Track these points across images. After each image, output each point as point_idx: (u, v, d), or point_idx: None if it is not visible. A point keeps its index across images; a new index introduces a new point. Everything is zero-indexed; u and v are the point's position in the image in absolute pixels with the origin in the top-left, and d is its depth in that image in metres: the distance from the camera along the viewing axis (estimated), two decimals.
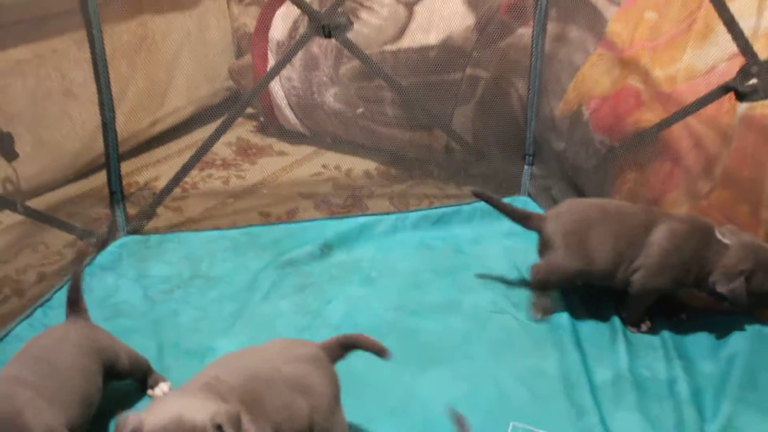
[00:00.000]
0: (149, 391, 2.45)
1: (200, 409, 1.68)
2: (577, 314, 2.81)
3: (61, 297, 2.90)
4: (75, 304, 2.39)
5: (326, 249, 3.18)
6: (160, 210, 3.42)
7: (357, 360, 2.57)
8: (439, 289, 2.95)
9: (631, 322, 2.74)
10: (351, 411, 2.37)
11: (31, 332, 2.75)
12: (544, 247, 2.80)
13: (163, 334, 2.73)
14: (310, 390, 2.02)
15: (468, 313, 2.82)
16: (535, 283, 2.83)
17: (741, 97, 2.77)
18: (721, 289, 2.57)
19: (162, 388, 2.45)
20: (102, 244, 3.20)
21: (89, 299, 2.88)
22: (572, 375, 2.51)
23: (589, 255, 2.69)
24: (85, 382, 2.14)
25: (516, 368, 2.56)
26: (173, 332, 2.74)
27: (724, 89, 2.80)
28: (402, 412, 2.38)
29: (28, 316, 2.82)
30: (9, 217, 3.34)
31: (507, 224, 3.32)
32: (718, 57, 2.94)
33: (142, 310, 2.86)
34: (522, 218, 2.86)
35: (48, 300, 2.90)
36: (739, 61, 2.75)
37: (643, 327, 2.73)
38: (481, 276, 3.04)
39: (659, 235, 2.66)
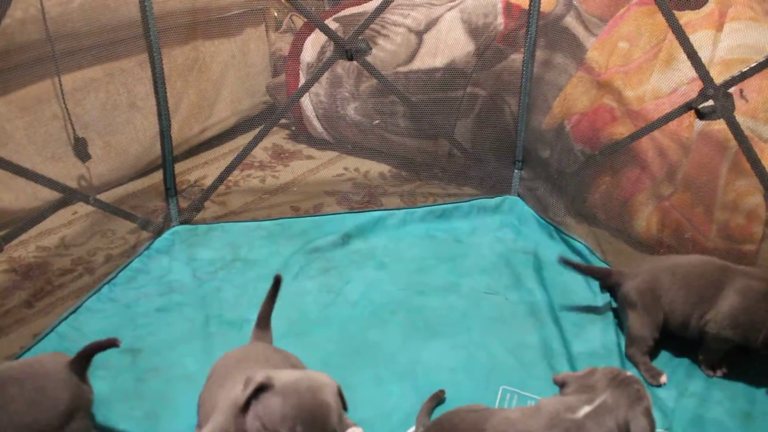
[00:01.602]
0: None
1: (318, 373, 1.61)
2: (557, 297, 2.80)
3: (125, 275, 2.94)
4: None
5: (346, 238, 3.18)
6: (207, 204, 3.43)
7: (371, 332, 2.59)
8: (441, 273, 2.95)
9: (707, 365, 2.40)
10: (365, 374, 2.39)
11: (99, 305, 2.78)
12: (623, 303, 2.51)
13: (209, 307, 2.74)
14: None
15: (465, 294, 2.81)
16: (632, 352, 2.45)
17: (700, 115, 2.76)
18: None
19: None
20: (158, 232, 3.21)
21: (147, 279, 2.93)
22: (553, 347, 2.51)
23: (664, 311, 2.41)
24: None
25: (505, 340, 2.55)
26: (217, 306, 2.75)
27: (685, 108, 2.79)
28: (409, 376, 2.38)
29: (96, 291, 2.84)
30: (83, 209, 3.37)
31: (499, 219, 3.36)
32: (679, 81, 2.94)
33: (191, 287, 2.87)
34: (602, 276, 2.61)
35: (113, 278, 2.91)
36: (698, 85, 2.74)
37: (718, 372, 2.39)
38: (477, 262, 3.04)
39: (731, 293, 2.33)
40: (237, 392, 1.62)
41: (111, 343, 2.04)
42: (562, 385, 1.81)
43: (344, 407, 1.60)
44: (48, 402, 1.92)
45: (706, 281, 2.38)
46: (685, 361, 2.45)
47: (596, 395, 1.69)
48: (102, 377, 2.38)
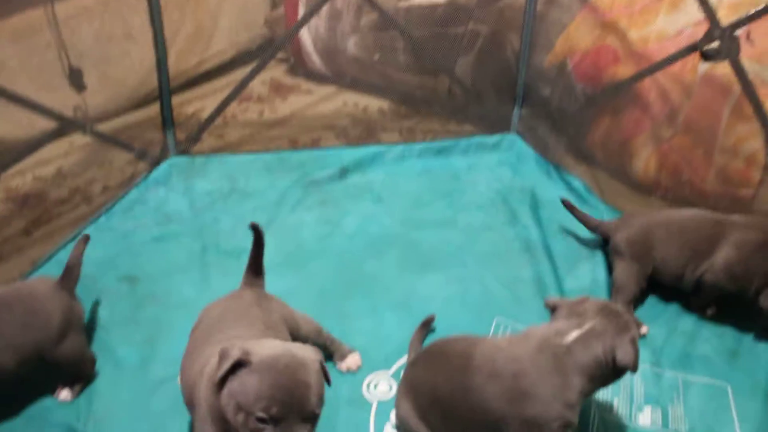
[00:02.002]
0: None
1: (302, 348, 1.46)
2: (552, 235, 2.81)
3: (122, 205, 2.93)
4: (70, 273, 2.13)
5: (344, 172, 3.18)
6: (204, 136, 3.40)
7: (368, 264, 2.61)
8: (438, 208, 2.96)
9: (697, 307, 2.43)
10: (361, 304, 2.42)
11: (97, 233, 2.78)
12: (613, 253, 2.54)
13: (206, 237, 2.76)
14: None
15: (461, 229, 2.83)
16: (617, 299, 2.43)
17: (705, 57, 2.73)
18: (764, 303, 2.27)
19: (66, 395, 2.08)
20: (155, 163, 3.20)
21: (144, 210, 2.93)
22: (546, 281, 2.54)
23: (655, 264, 2.43)
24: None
25: (500, 275, 2.58)
26: (214, 236, 2.76)
27: (690, 49, 2.76)
28: (404, 306, 2.42)
29: (95, 220, 2.85)
30: (80, 139, 3.33)
31: (496, 157, 3.35)
32: (686, 22, 2.89)
33: (188, 217, 2.88)
34: (594, 226, 2.66)
35: (111, 208, 2.92)
36: (704, 27, 2.70)
37: (708, 312, 2.42)
38: (474, 199, 3.04)
39: (726, 246, 2.33)
40: (212, 366, 1.50)
41: (84, 242, 2.18)
42: (553, 308, 1.83)
43: (327, 382, 1.47)
44: (40, 322, 1.94)
45: (700, 235, 2.39)
46: (675, 304, 2.47)
47: (585, 321, 1.72)
48: (101, 304, 2.42)
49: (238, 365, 1.39)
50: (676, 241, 2.41)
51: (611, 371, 1.70)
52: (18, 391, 1.99)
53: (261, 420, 1.35)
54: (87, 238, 2.24)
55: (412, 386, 1.87)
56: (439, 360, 1.84)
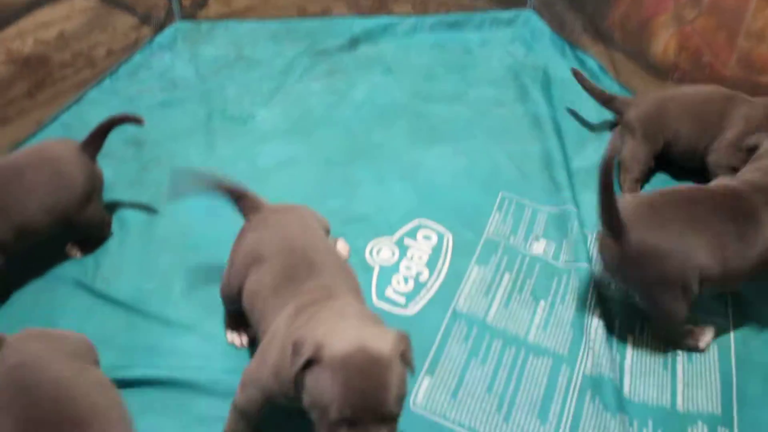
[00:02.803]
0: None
1: (380, 338, 1.31)
2: (562, 113, 2.75)
3: (126, 69, 2.87)
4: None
5: (354, 42, 3.08)
6: (210, 1, 3.28)
7: (375, 134, 2.58)
8: (449, 82, 2.88)
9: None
10: (368, 172, 2.40)
11: (102, 96, 2.75)
12: (624, 129, 2.48)
13: (212, 103, 2.71)
14: None
15: (472, 103, 2.77)
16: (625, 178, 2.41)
17: None
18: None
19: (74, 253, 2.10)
20: (160, 28, 3.11)
21: (149, 75, 2.88)
22: (554, 159, 2.50)
23: (667, 140, 2.39)
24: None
25: (508, 150, 2.54)
26: (220, 102, 2.72)
27: None
28: (410, 177, 2.40)
29: (99, 84, 2.79)
30: (82, 2, 3.21)
31: (510, 32, 3.24)
32: None
33: (194, 83, 2.83)
34: (606, 100, 2.57)
35: (114, 71, 2.86)
36: None
37: None
38: (485, 74, 2.96)
39: (736, 119, 2.30)
40: (285, 356, 1.37)
41: (124, 118, 2.05)
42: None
43: (411, 370, 1.34)
44: (68, 185, 1.94)
45: (712, 109, 2.34)
46: (688, 182, 2.44)
47: None
48: (107, 165, 2.38)
49: (311, 361, 1.29)
50: (688, 115, 2.36)
51: None
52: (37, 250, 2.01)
53: (335, 422, 1.27)
54: (131, 119, 2.09)
55: None
56: None
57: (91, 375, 1.39)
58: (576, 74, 2.62)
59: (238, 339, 1.82)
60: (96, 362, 1.51)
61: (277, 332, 1.47)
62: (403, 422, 1.66)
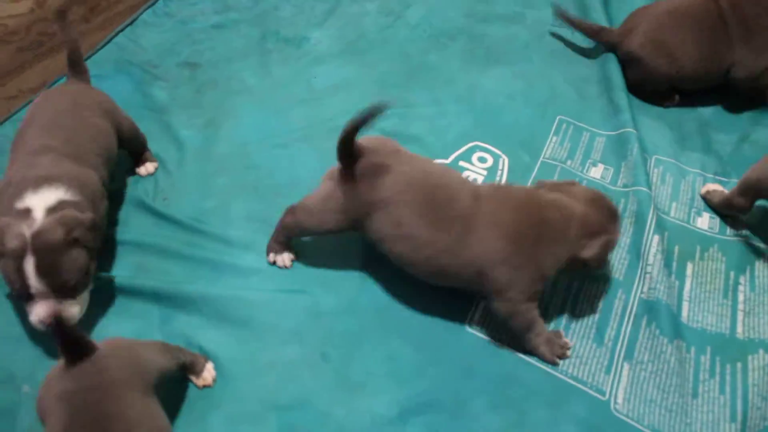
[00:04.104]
0: (137, 169, 2.10)
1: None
2: None
3: None
4: (76, 65, 1.99)
5: None
6: None
7: (431, 55, 2.51)
8: (506, 2, 2.76)
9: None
10: (423, 94, 2.36)
11: (155, 19, 2.72)
12: (625, 61, 2.39)
13: (266, 24, 2.67)
14: None
15: (529, 25, 2.66)
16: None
17: None
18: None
19: (148, 168, 2.10)
20: None
21: None
22: (613, 82, 2.39)
23: (675, 61, 2.26)
24: (106, 142, 1.85)
25: (566, 73, 2.46)
26: (274, 23, 2.67)
27: None
28: (466, 99, 2.35)
29: (151, 5, 2.77)
30: None
31: None
32: None
33: (247, 5, 2.77)
34: (595, 33, 2.47)
35: None
36: None
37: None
38: None
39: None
40: None
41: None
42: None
43: None
44: (105, 107, 1.93)
45: (712, 22, 2.21)
46: (749, 112, 2.33)
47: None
48: (162, 87, 2.41)
49: None
50: (688, 29, 2.24)
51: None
52: None
53: None
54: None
55: None
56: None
57: (154, 412, 1.37)
58: (561, 16, 2.50)
59: (281, 259, 1.85)
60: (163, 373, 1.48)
61: None
62: (459, 342, 1.68)
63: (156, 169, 2.12)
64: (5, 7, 2.77)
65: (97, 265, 1.65)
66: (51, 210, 1.56)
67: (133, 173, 2.10)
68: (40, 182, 1.60)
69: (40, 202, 1.57)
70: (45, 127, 1.76)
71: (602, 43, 2.48)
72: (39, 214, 1.54)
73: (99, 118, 1.86)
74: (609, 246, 1.64)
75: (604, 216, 1.64)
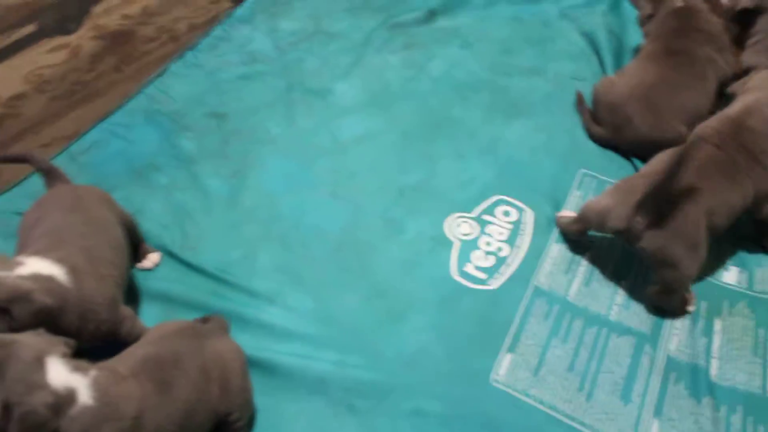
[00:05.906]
0: (139, 264, 1.97)
1: None
2: None
3: (207, 43, 2.89)
4: (53, 172, 1.86)
5: (431, 15, 3.01)
6: None
7: (454, 108, 2.53)
8: (528, 55, 2.79)
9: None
10: (446, 147, 2.37)
11: (184, 70, 2.76)
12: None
13: (291, 76, 2.70)
14: None
15: (551, 78, 2.68)
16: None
17: None
18: None
19: (152, 259, 1.99)
20: (239, 1, 3.11)
21: (229, 47, 2.88)
22: None
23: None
24: (121, 237, 1.77)
25: None
26: (299, 75, 2.70)
27: None
28: (490, 152, 2.35)
29: (180, 57, 2.82)
30: None
31: (590, 4, 3.10)
32: None
33: (273, 56, 2.82)
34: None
35: (197, 45, 2.87)
36: None
37: None
38: (565, 47, 2.85)
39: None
40: None
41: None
42: None
43: None
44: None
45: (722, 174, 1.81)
46: None
47: None
48: (189, 138, 2.44)
49: None
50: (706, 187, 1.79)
51: None
52: None
53: None
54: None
55: None
56: None
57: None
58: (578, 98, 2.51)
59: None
60: None
61: None
62: (484, 397, 1.66)
63: (160, 258, 2.02)
64: (43, 57, 2.84)
65: None
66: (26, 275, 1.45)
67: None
68: (42, 253, 1.53)
69: (30, 264, 1.48)
70: (65, 227, 1.66)
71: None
72: (14, 273, 1.44)
73: (110, 213, 1.78)
74: None
75: None
